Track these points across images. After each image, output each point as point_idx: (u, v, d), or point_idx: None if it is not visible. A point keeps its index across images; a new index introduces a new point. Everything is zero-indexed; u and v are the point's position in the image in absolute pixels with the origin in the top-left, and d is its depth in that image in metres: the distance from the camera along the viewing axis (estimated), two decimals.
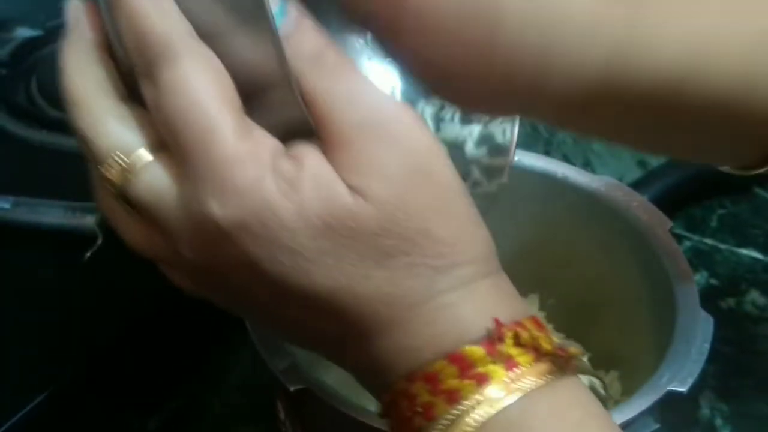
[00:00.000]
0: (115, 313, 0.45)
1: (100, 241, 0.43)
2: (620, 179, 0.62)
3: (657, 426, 0.35)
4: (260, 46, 0.24)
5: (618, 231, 0.44)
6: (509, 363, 0.24)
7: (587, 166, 0.65)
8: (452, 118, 0.35)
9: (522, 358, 0.24)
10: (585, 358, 0.45)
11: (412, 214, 0.24)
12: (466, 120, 0.35)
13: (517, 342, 0.24)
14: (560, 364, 0.25)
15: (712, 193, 0.60)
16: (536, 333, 0.25)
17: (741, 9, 0.29)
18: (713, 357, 0.36)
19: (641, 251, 0.42)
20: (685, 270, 0.39)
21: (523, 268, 0.48)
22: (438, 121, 0.35)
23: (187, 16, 0.25)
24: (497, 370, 0.24)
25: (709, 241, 0.58)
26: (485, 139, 0.35)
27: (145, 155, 0.25)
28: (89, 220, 0.47)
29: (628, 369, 0.44)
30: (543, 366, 0.24)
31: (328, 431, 0.38)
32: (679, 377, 0.34)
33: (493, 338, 0.24)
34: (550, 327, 0.47)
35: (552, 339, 0.25)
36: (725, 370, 0.49)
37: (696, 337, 0.36)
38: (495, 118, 0.35)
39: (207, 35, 0.25)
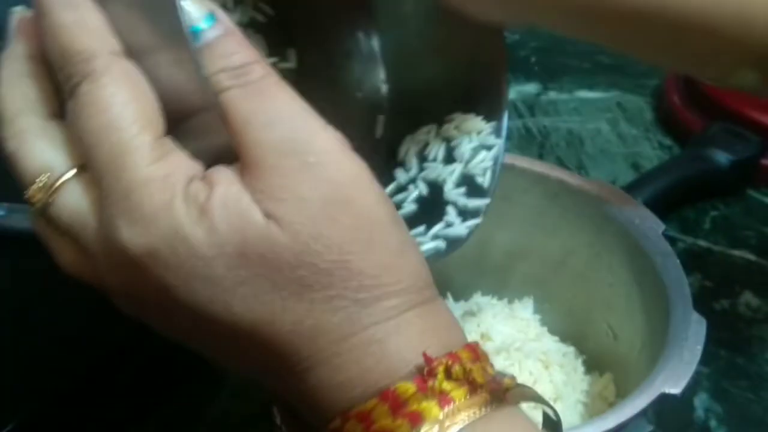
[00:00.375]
0: (112, 318, 0.45)
1: None
2: (613, 182, 0.62)
3: (651, 428, 0.35)
4: (183, 66, 0.23)
5: (611, 234, 0.44)
6: (442, 399, 0.23)
7: (580, 168, 0.65)
8: (435, 158, 0.35)
9: (456, 392, 0.23)
10: (580, 361, 0.45)
11: (330, 246, 0.23)
12: (448, 159, 0.35)
13: (449, 375, 0.23)
14: (497, 395, 0.24)
15: (705, 196, 0.61)
16: (469, 365, 0.23)
17: None
18: (707, 359, 0.36)
19: (634, 254, 0.42)
20: (678, 272, 0.40)
21: (518, 272, 0.49)
22: (421, 159, 0.35)
23: (120, 34, 0.24)
24: (430, 407, 0.23)
25: (702, 243, 0.58)
26: (465, 180, 0.35)
27: (65, 175, 0.24)
28: None
29: (623, 371, 0.44)
30: (478, 399, 0.23)
31: None
32: (672, 379, 0.35)
33: (424, 373, 0.23)
34: (544, 329, 0.47)
35: (487, 370, 0.24)
36: (719, 371, 0.49)
37: (689, 340, 0.36)
38: (477, 155, 0.35)
39: (139, 53, 0.24)
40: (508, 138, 0.68)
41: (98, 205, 0.24)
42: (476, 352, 0.24)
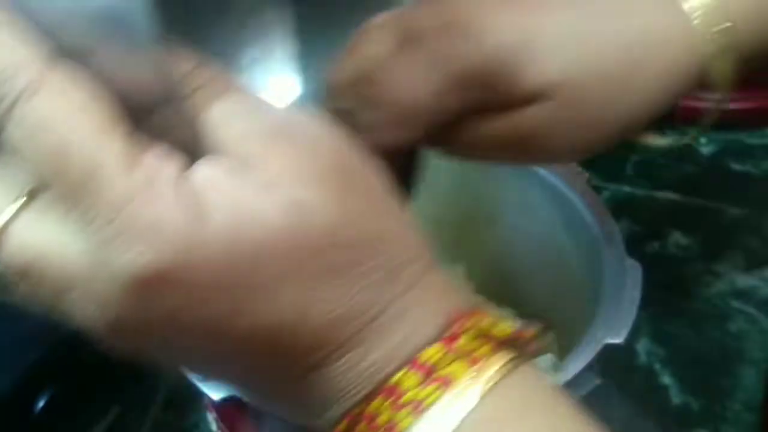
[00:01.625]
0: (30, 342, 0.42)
1: None
2: None
3: (598, 381, 0.35)
4: (136, 62, 0.21)
5: (536, 189, 0.43)
6: (470, 358, 0.22)
7: None
8: None
9: (482, 349, 0.23)
10: (519, 324, 0.44)
11: (353, 218, 0.22)
12: None
13: (475, 333, 0.23)
14: (521, 349, 0.23)
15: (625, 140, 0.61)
16: (489, 323, 0.23)
17: None
18: (645, 303, 0.36)
19: (562, 207, 0.41)
20: (607, 219, 0.39)
21: (446, 240, 0.47)
22: None
23: (55, 34, 0.21)
24: (460, 367, 0.22)
25: (626, 188, 0.58)
26: None
27: (9, 209, 0.21)
28: None
29: (565, 328, 0.43)
30: (504, 354, 0.23)
31: None
32: (613, 329, 0.34)
33: (450, 334, 0.23)
34: (480, 298, 0.46)
35: (508, 324, 0.24)
36: (658, 314, 0.49)
37: (625, 287, 0.35)
38: None
39: (82, 53, 0.21)
40: None
41: (69, 239, 0.21)
42: (489, 311, 0.24)
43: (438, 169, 0.45)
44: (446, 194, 0.46)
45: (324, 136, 0.23)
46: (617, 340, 0.34)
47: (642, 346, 0.48)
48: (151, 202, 0.20)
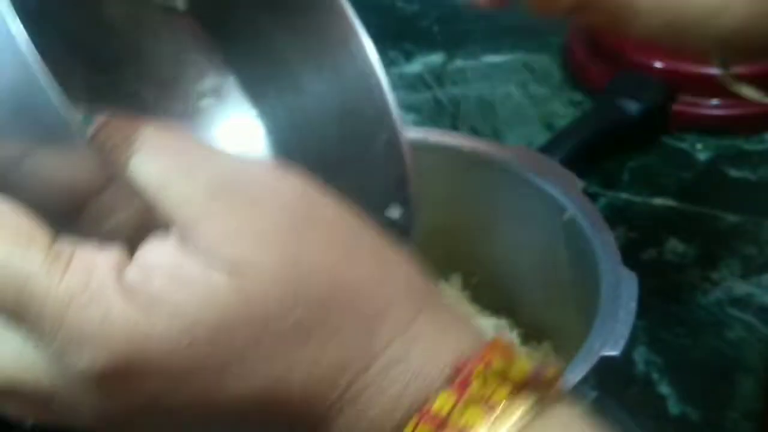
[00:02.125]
0: None
1: None
2: (529, 144, 0.61)
3: (595, 393, 0.34)
4: (62, 159, 0.21)
5: (531, 198, 0.43)
6: (486, 403, 0.20)
7: (496, 134, 0.64)
8: None
9: (498, 393, 0.20)
10: (515, 333, 0.44)
11: (313, 272, 0.20)
12: None
13: (486, 378, 0.21)
14: (543, 390, 0.21)
15: (621, 147, 0.60)
16: (503, 362, 0.21)
17: None
18: (642, 311, 0.35)
19: (557, 215, 0.41)
20: (603, 228, 0.39)
21: (441, 249, 0.47)
22: None
23: None
24: (475, 415, 0.20)
25: (623, 195, 0.57)
26: None
27: None
28: None
29: (561, 337, 0.43)
30: (524, 398, 0.21)
31: None
32: (610, 341, 0.34)
33: (458, 381, 0.21)
34: (476, 307, 0.45)
35: (526, 363, 0.21)
36: (655, 322, 0.48)
37: (622, 298, 0.35)
38: None
39: (10, 161, 0.21)
40: (419, 111, 0.67)
41: (32, 351, 0.21)
42: (504, 346, 0.22)
43: (433, 177, 0.45)
44: (442, 202, 0.46)
45: (272, 186, 0.21)
46: (614, 352, 0.33)
47: (639, 354, 0.47)
48: (91, 302, 0.20)
